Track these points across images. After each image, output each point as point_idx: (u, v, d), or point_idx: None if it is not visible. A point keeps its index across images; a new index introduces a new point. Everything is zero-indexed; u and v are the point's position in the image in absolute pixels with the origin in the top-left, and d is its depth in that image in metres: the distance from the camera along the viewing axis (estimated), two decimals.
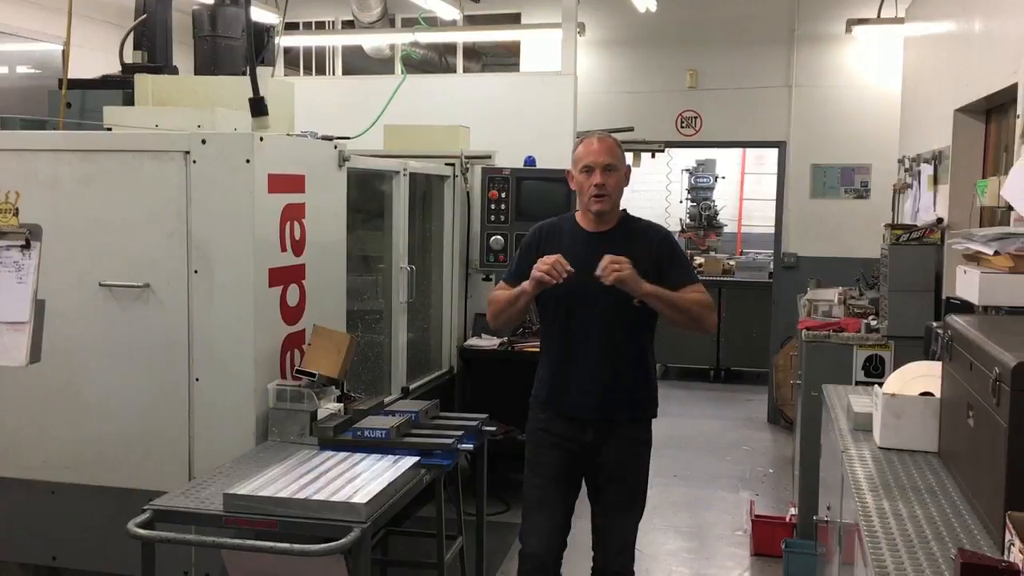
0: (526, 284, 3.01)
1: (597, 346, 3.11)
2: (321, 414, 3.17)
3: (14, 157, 3.31)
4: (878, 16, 6.93)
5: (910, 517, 2.10)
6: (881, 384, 2.81)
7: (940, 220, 4.69)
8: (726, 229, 10.85)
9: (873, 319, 4.94)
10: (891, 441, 2.63)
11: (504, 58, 9.91)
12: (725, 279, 9.23)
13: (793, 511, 4.89)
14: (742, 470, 6.37)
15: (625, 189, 3.20)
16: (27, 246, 2.33)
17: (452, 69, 8.87)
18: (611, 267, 2.88)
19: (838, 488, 2.69)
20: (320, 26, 8.79)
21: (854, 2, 7.36)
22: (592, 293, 3.01)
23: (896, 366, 3.57)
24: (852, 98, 7.60)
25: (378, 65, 8.80)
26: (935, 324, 3.05)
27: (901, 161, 6.14)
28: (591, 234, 3.14)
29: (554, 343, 3.19)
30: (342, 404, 3.27)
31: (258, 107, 3.50)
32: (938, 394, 2.57)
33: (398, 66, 8.04)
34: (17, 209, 2.28)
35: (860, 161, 7.60)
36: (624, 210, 3.22)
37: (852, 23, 7.04)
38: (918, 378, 2.72)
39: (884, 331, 4.72)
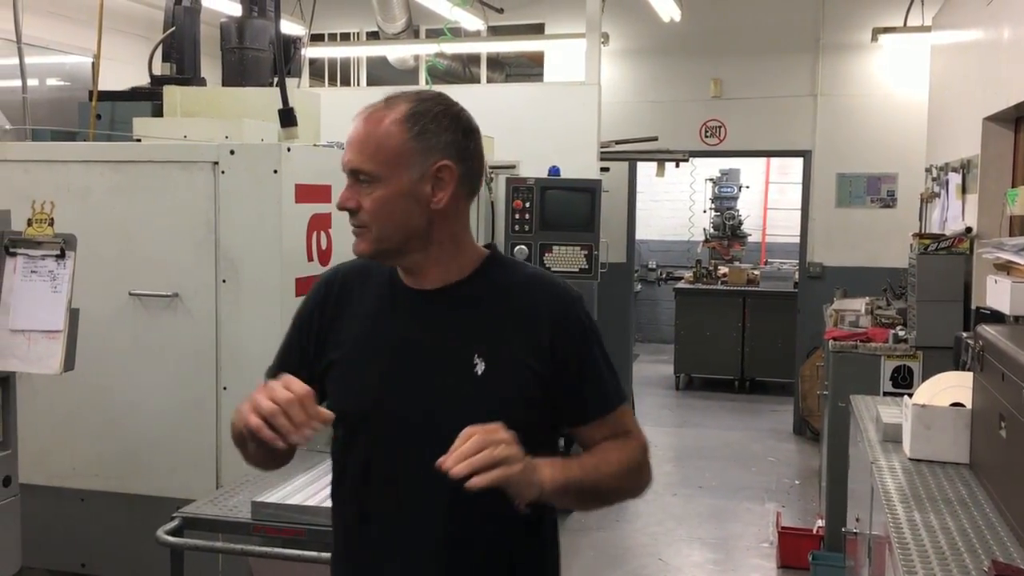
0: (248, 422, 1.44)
1: (428, 531, 1.57)
2: None
3: (46, 168, 3.35)
4: (904, 24, 6.89)
5: (942, 529, 2.08)
6: (910, 395, 2.79)
7: (969, 229, 4.64)
8: (750, 239, 10.81)
9: (901, 329, 4.89)
10: (921, 452, 2.61)
11: (528, 68, 9.95)
12: (749, 289, 9.19)
13: (820, 523, 4.84)
14: (768, 481, 6.32)
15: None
16: (62, 255, 2.36)
17: (476, 79, 8.90)
18: (472, 459, 1.37)
19: (867, 500, 2.67)
20: (345, 37, 8.85)
21: (880, 11, 7.32)
22: (412, 418, 1.57)
23: (925, 377, 3.54)
24: (878, 107, 7.55)
25: (402, 76, 8.85)
26: (965, 334, 3.03)
27: (928, 170, 6.09)
28: (416, 294, 1.64)
29: (344, 517, 1.69)
30: None
31: (287, 117, 3.54)
32: (969, 405, 2.55)
33: (423, 76, 8.09)
34: (52, 219, 2.31)
35: (886, 170, 7.54)
36: (491, 247, 1.71)
37: (878, 31, 7.01)
38: (948, 389, 2.70)
39: (912, 341, 4.68)
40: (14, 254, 2.36)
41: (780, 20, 7.75)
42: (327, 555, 2.36)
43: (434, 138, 1.57)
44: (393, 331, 1.63)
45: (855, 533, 2.99)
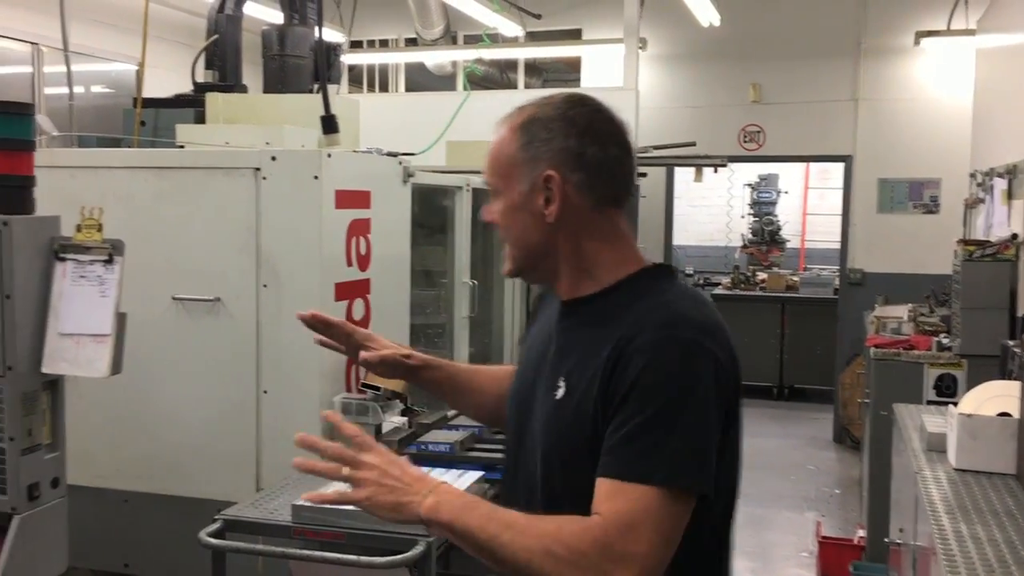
0: None
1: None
2: (386, 427, 3.20)
3: (92, 174, 3.40)
4: (948, 28, 6.80)
5: (989, 541, 2.05)
6: (955, 404, 2.74)
7: (1015, 236, 4.56)
8: (789, 244, 10.72)
9: (945, 337, 4.82)
10: (967, 462, 2.56)
11: (565, 73, 9.95)
12: (788, 295, 9.11)
13: (861, 533, 4.78)
14: (807, 490, 6.25)
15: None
16: (110, 261, 2.39)
17: (513, 85, 8.92)
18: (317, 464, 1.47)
19: (911, 510, 2.63)
20: (383, 44, 8.92)
21: (923, 14, 7.23)
22: (516, 428, 1.60)
23: (969, 385, 3.49)
24: (921, 111, 7.46)
25: (439, 81, 8.89)
26: (1012, 343, 2.98)
27: (973, 175, 6.00)
28: (559, 305, 1.59)
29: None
30: (406, 418, 3.29)
31: (329, 124, 3.57)
32: (1016, 414, 2.50)
33: (460, 82, 8.12)
34: (101, 225, 2.35)
35: (929, 175, 7.45)
36: (650, 268, 1.56)
37: (921, 35, 6.92)
38: (995, 398, 2.65)
39: (956, 349, 4.61)
40: (63, 259, 2.41)
41: (821, 24, 7.68)
42: (366, 559, 2.38)
43: (542, 146, 1.47)
44: (538, 340, 1.60)
45: (899, 544, 2.94)
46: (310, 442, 1.46)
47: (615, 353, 1.38)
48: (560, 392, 1.46)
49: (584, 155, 1.47)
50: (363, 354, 1.79)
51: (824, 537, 4.85)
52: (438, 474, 2.92)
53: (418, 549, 2.37)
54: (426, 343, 4.39)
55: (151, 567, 3.40)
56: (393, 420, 3.24)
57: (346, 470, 1.43)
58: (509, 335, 5.30)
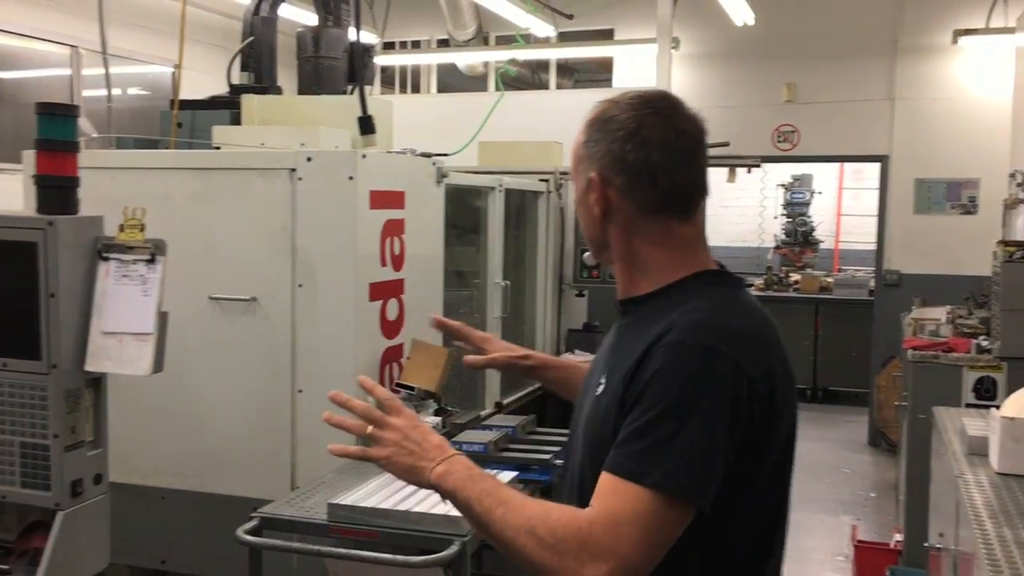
0: None
1: None
2: None
3: (131, 175, 3.45)
4: (987, 26, 6.70)
5: None
6: (996, 407, 2.70)
7: None
8: (823, 245, 10.62)
9: (984, 339, 4.75)
10: (1010, 466, 2.52)
11: (596, 73, 9.93)
12: (822, 296, 9.04)
13: (898, 537, 4.72)
14: (842, 493, 6.19)
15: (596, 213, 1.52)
16: (152, 260, 2.42)
17: (544, 85, 8.92)
18: (345, 421, 1.55)
19: (951, 515, 2.59)
20: (416, 45, 8.95)
21: (961, 12, 7.14)
22: (583, 406, 1.57)
23: (1010, 389, 3.44)
24: (959, 110, 7.36)
25: (470, 82, 8.91)
26: None
27: (1013, 175, 5.91)
28: (619, 303, 1.59)
29: None
30: (440, 418, 3.30)
31: (366, 125, 3.58)
32: None
33: (492, 83, 8.13)
34: (144, 225, 2.38)
35: (967, 175, 7.35)
36: (701, 274, 1.50)
37: (959, 33, 6.83)
38: None
39: (996, 352, 4.54)
40: (107, 258, 2.43)
41: (856, 23, 7.61)
42: (401, 558, 2.39)
43: (595, 147, 1.50)
44: (608, 338, 1.62)
45: (939, 549, 2.90)
46: (342, 399, 1.57)
47: (643, 353, 1.37)
48: (600, 388, 1.47)
49: (626, 160, 1.47)
50: (468, 358, 1.98)
51: (860, 541, 4.80)
52: None
53: (453, 549, 2.38)
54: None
55: (188, 564, 3.44)
56: (427, 420, 3.25)
57: (371, 428, 1.51)
58: (541, 335, 5.30)
